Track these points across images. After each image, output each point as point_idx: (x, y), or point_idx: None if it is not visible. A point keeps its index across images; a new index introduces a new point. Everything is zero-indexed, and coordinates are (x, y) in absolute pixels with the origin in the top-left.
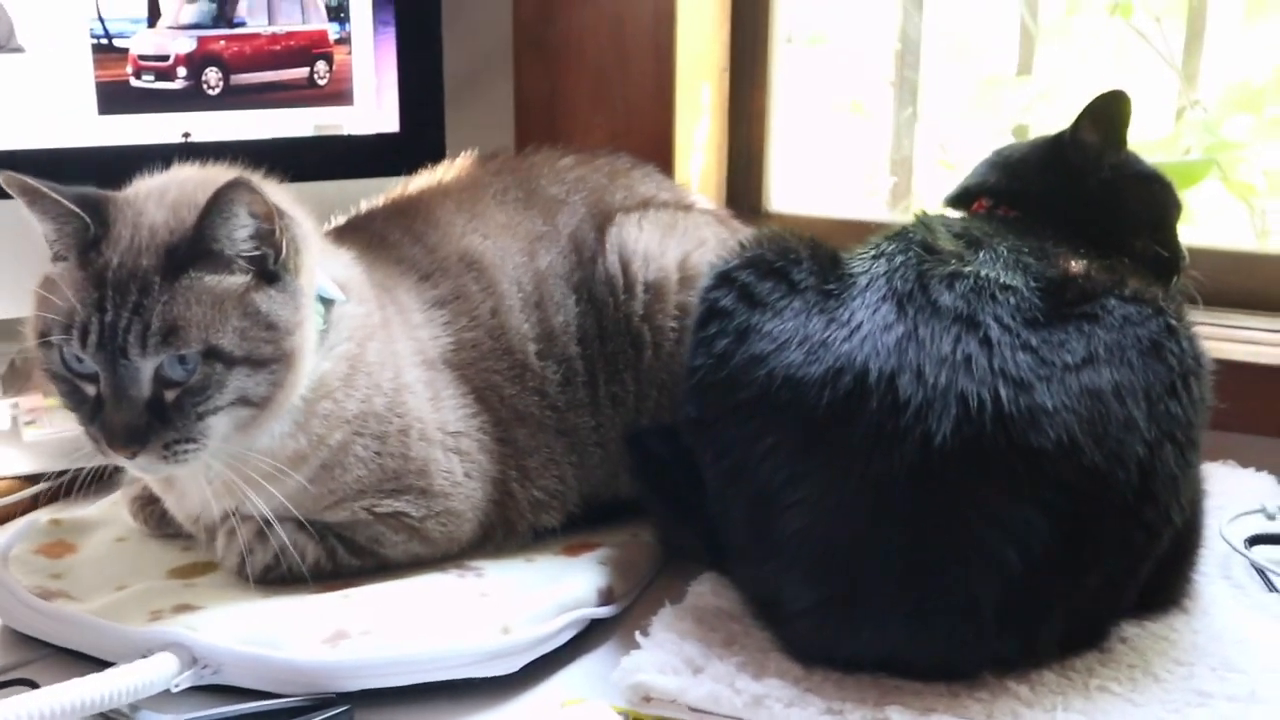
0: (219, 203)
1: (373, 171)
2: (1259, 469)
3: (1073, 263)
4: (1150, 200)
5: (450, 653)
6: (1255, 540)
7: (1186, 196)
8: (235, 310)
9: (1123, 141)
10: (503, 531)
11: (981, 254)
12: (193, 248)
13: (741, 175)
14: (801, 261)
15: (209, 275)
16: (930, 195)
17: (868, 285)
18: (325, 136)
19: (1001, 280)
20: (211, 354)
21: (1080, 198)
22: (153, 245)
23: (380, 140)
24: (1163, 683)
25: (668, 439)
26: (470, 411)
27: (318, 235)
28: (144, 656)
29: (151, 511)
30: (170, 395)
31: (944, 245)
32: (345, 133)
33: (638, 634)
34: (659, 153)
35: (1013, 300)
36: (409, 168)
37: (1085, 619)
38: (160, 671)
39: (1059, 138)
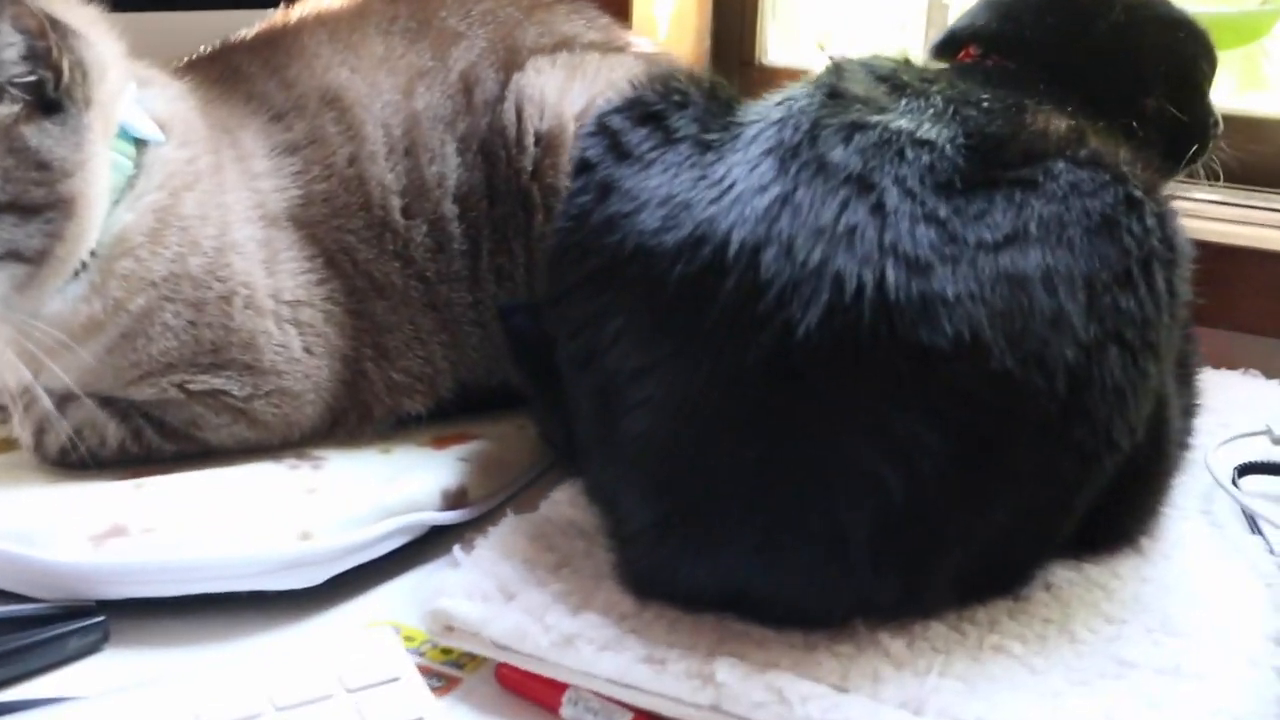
0: None
1: (256, 4)
2: None
3: (1048, 119)
4: (1170, 50)
5: (235, 560)
6: (1247, 469)
7: (1245, 53)
8: (1, 145)
9: None
10: (356, 416)
11: (905, 102)
12: None
13: (732, 20)
14: (688, 105)
15: None
16: None
17: (755, 136)
18: None
19: (918, 134)
20: None
21: (1084, 44)
22: None
23: None
24: (1079, 644)
25: (534, 315)
26: (317, 278)
27: (123, 61)
28: None
29: None
30: None
31: (853, 89)
32: None
33: (456, 549)
34: None
35: (926, 159)
36: None
37: (995, 560)
38: None
39: None
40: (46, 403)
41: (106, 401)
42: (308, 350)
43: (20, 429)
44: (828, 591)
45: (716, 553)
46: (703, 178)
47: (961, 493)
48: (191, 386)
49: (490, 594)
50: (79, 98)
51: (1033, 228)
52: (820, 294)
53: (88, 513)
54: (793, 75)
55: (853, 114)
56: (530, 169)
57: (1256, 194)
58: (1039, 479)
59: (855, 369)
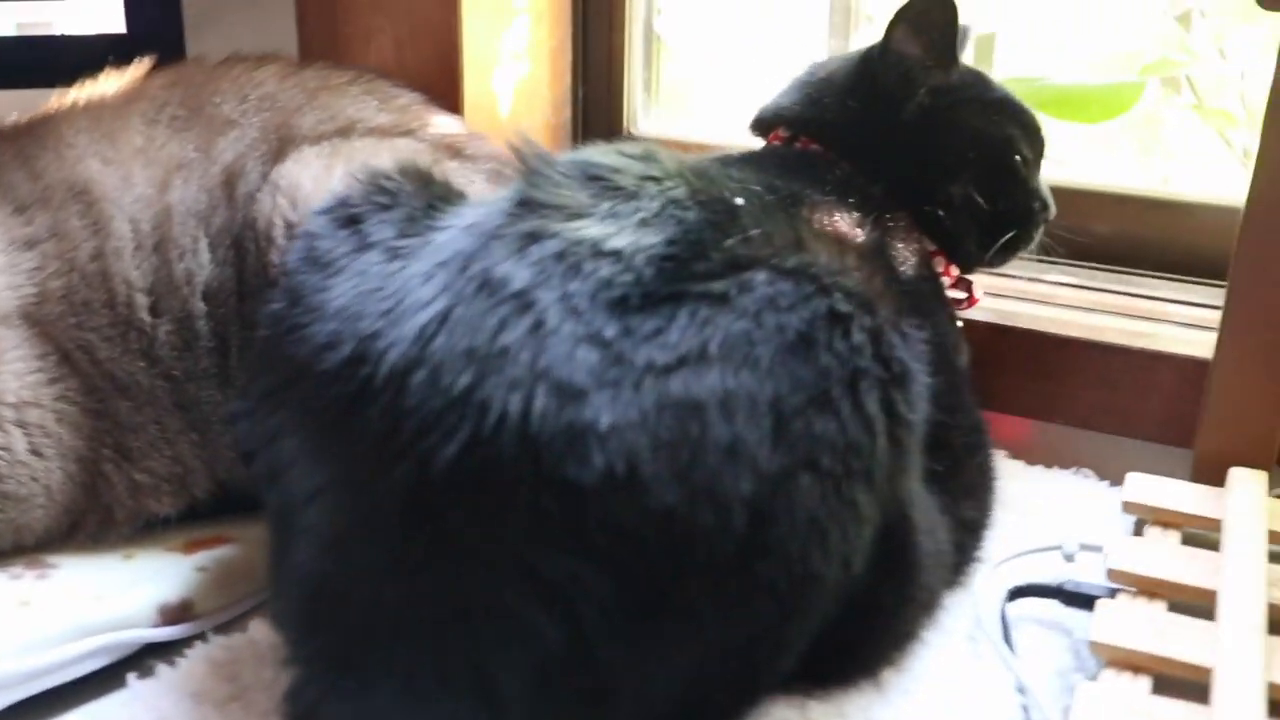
0: None
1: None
2: (1117, 483)
3: (813, 218)
4: (982, 135)
5: None
6: (1021, 592)
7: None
8: None
9: (952, 55)
10: (96, 520)
11: (609, 205)
12: None
13: (600, 90)
14: (392, 208)
15: None
16: None
17: (441, 245)
18: (32, 37)
19: (605, 244)
20: None
21: (890, 130)
22: None
23: (104, 42)
24: None
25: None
26: (48, 377)
27: None
28: None
29: None
30: None
31: (545, 196)
32: (57, 32)
33: (130, 676)
34: (445, 64)
35: (605, 272)
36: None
37: (690, 705)
38: None
39: (869, 52)
40: None
41: None
42: (35, 452)
43: None
44: None
45: (361, 696)
46: (379, 289)
47: (633, 636)
48: None
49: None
50: None
51: (713, 347)
52: (463, 423)
53: None
54: (666, 145)
55: (533, 222)
56: (279, 262)
57: (1099, 273)
58: (724, 620)
59: (498, 506)
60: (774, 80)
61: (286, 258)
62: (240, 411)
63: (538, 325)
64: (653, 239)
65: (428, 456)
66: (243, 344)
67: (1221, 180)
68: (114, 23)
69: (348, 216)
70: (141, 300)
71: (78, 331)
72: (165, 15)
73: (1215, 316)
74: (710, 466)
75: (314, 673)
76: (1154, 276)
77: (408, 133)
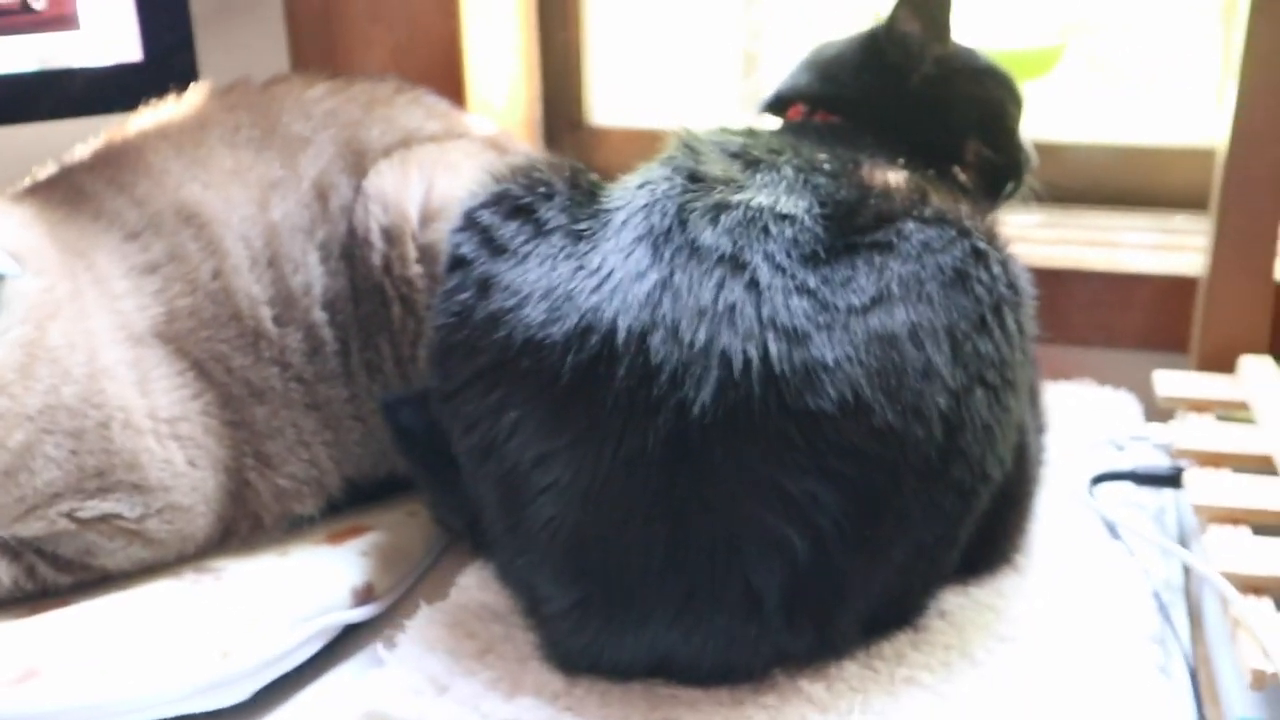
0: None
1: (119, 108)
2: (1117, 386)
3: (885, 176)
4: (981, 97)
5: (159, 688)
6: (1101, 478)
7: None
8: None
9: (947, 31)
10: (247, 526)
11: (759, 176)
12: None
13: (558, 85)
14: (554, 196)
15: None
16: None
17: (624, 223)
18: (52, 71)
19: (779, 209)
20: None
21: (902, 99)
22: None
23: (120, 71)
24: (980, 667)
25: (419, 408)
26: (190, 391)
27: None
28: None
29: None
30: None
31: (711, 170)
32: (76, 65)
33: (379, 646)
34: (448, 69)
35: (789, 232)
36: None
37: (894, 597)
38: None
39: (874, 31)
40: None
41: None
42: (191, 463)
43: None
44: (747, 649)
45: (637, 627)
46: (580, 268)
47: (860, 542)
48: (81, 514)
49: (421, 688)
50: None
51: (894, 288)
52: (710, 372)
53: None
54: (622, 136)
55: (715, 196)
56: (381, 264)
57: (1069, 213)
58: (926, 519)
59: (751, 440)
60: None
61: (455, 250)
62: (397, 400)
63: (753, 283)
64: (806, 202)
65: (684, 403)
66: (362, 344)
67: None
68: (129, 52)
69: (515, 207)
70: (265, 312)
71: (210, 344)
72: (178, 41)
73: (1166, 239)
74: (913, 387)
75: (586, 616)
76: (1108, 210)
77: (460, 135)
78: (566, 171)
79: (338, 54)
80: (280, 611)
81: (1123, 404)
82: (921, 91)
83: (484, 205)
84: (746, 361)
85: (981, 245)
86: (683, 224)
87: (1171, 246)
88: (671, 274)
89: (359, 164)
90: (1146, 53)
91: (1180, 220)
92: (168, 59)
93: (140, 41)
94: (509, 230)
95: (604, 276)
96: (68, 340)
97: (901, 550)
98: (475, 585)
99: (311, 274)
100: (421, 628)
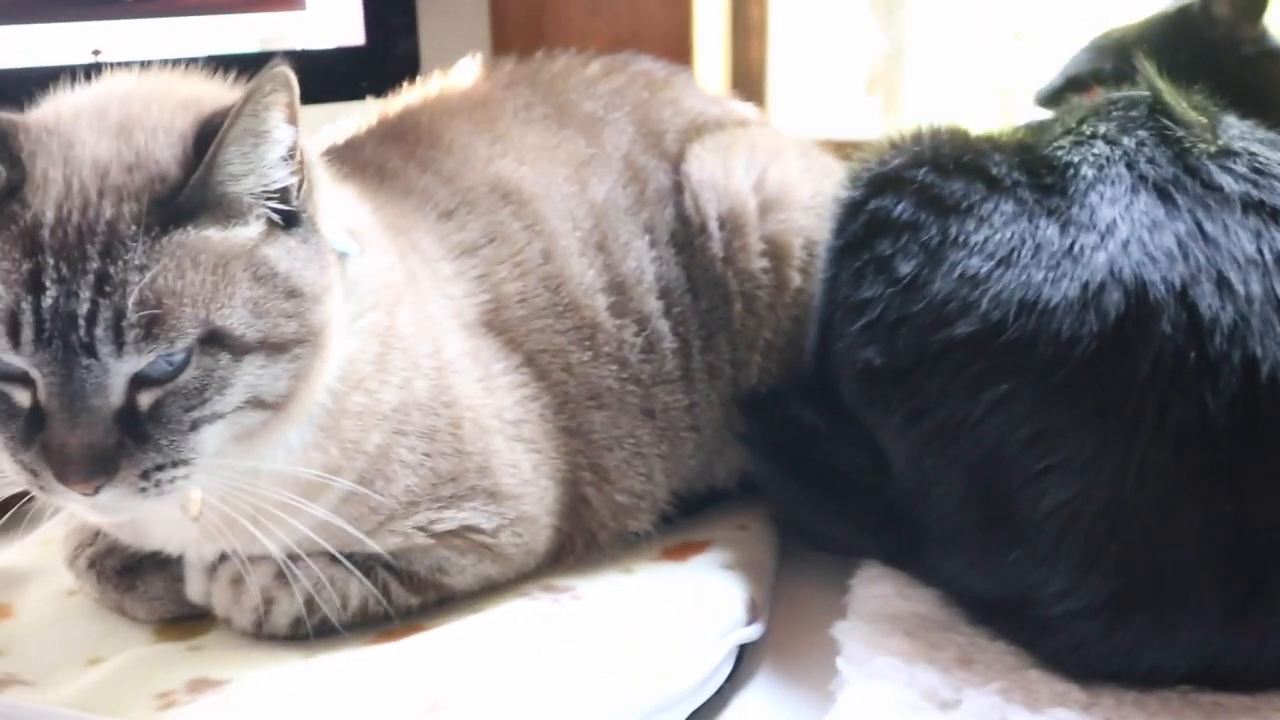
0: (243, 116)
1: (337, 93)
2: None
3: None
4: None
5: (602, 714)
6: None
7: None
8: (245, 274)
9: (1260, 14)
10: (583, 543)
11: (1221, 125)
12: (198, 192)
13: (745, 92)
14: (989, 153)
15: (213, 228)
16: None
17: (1102, 176)
18: (274, 52)
19: (1266, 156)
20: (213, 339)
21: (1220, 78)
22: (112, 189)
23: (342, 55)
24: None
25: (807, 401)
26: (529, 392)
27: (321, 163)
28: None
29: (106, 565)
30: (147, 400)
31: (1187, 116)
32: (299, 47)
33: (840, 660)
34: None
35: None
36: (379, 88)
37: None
38: None
39: (1186, 9)
40: (268, 571)
41: (334, 559)
42: (536, 469)
43: (230, 605)
44: None
45: (1184, 627)
46: (1068, 223)
47: None
48: (437, 527)
49: (917, 703)
50: (311, 207)
51: None
52: (1275, 325)
53: (396, 687)
54: None
55: (1208, 142)
56: (722, 255)
57: None
58: None
59: None
60: None
61: (886, 214)
62: (769, 394)
63: None
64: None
65: (1252, 361)
66: (703, 344)
67: None
68: (353, 35)
69: (956, 164)
70: (601, 301)
71: (544, 336)
72: (403, 24)
73: None
74: None
75: (1121, 615)
76: None
77: (742, 122)
78: (971, 133)
79: (546, 45)
80: (697, 630)
81: None
82: (1240, 73)
83: (909, 165)
84: None
85: None
86: (1191, 170)
87: None
88: (1200, 223)
89: (658, 145)
90: None
91: None
92: (391, 44)
93: (364, 25)
94: (954, 188)
95: (1105, 230)
96: (415, 328)
97: None
98: (893, 593)
99: (642, 259)
100: (868, 638)
